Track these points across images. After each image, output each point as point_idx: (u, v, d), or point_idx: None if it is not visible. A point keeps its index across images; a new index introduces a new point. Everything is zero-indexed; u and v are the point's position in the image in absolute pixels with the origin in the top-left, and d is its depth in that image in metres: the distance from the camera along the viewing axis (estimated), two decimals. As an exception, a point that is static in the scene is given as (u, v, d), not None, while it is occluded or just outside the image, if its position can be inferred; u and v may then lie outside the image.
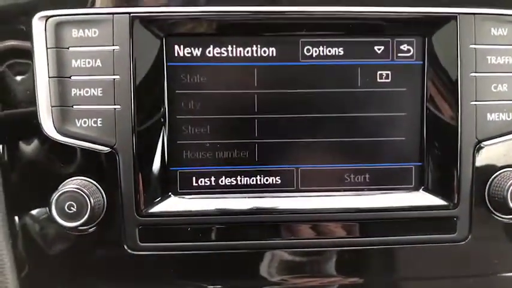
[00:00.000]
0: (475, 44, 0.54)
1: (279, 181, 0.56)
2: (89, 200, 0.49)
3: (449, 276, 0.58)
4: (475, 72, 0.54)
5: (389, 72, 0.55)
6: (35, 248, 0.53)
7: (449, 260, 0.57)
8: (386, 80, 0.55)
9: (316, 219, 0.55)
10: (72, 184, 0.50)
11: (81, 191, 0.49)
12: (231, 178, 0.55)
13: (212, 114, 0.54)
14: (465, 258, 0.56)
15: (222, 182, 0.55)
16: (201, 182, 0.55)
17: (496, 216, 0.56)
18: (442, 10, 0.54)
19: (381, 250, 0.56)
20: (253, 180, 0.56)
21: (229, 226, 0.54)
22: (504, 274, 0.58)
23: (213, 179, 0.55)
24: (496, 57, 0.55)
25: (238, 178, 0.55)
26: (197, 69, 0.54)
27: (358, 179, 0.56)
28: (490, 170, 0.56)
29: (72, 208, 0.49)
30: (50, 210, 0.49)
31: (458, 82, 0.54)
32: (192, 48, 0.54)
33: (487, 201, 0.55)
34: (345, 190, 0.56)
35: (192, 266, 0.55)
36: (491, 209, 0.55)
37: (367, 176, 0.56)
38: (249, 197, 0.55)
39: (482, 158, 0.55)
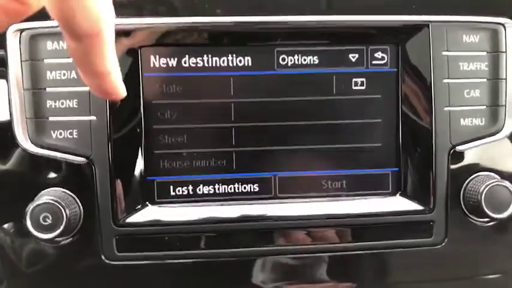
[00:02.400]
0: (447, 51, 0.55)
1: (257, 189, 0.56)
2: (65, 211, 0.49)
3: (426, 280, 0.58)
4: (448, 79, 0.55)
5: (364, 79, 0.56)
6: (10, 261, 0.53)
7: (426, 264, 0.57)
8: (361, 88, 0.56)
9: (294, 226, 0.55)
10: (47, 195, 0.50)
11: (57, 202, 0.49)
12: (209, 186, 0.56)
13: (189, 123, 0.55)
14: (442, 261, 0.57)
15: (199, 190, 0.55)
16: (178, 191, 0.55)
17: (471, 220, 0.56)
18: (415, 18, 0.55)
19: (358, 256, 0.56)
20: (231, 189, 0.56)
21: (207, 235, 0.54)
22: (481, 277, 0.58)
23: (190, 187, 0.55)
24: (468, 64, 0.56)
25: (216, 186, 0.56)
26: (173, 79, 0.54)
27: (335, 185, 0.57)
28: (465, 174, 0.56)
29: (47, 220, 0.49)
30: (25, 222, 0.49)
31: (432, 88, 0.55)
32: (168, 59, 0.54)
33: (462, 205, 0.56)
34: (322, 196, 0.56)
35: (172, 276, 0.55)
36: (467, 213, 0.56)
37: (344, 182, 0.57)
38: (226, 205, 0.55)
39: (457, 163, 0.56)
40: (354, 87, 0.56)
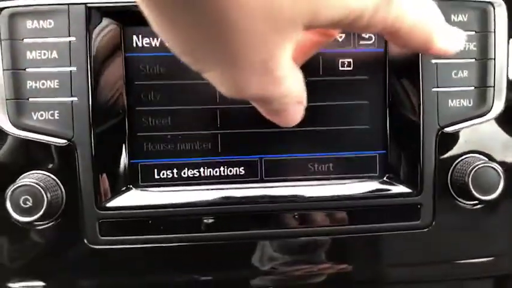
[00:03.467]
0: (435, 31, 0.54)
1: (243, 172, 0.55)
2: (46, 194, 0.48)
3: (415, 263, 0.58)
4: (436, 59, 0.54)
5: (351, 60, 0.55)
6: (-9, 245, 0.53)
7: (414, 247, 0.57)
8: (348, 68, 0.55)
9: (280, 209, 0.54)
10: (28, 178, 0.49)
11: (38, 184, 0.48)
12: (193, 170, 0.55)
13: (173, 105, 0.54)
14: (430, 244, 0.56)
15: (184, 174, 0.55)
16: (163, 174, 0.54)
17: (459, 203, 0.56)
18: (402, -3, 0.54)
19: (345, 239, 0.55)
20: (216, 172, 0.55)
21: (191, 218, 0.53)
22: (468, 260, 0.58)
23: (175, 171, 0.54)
24: (456, 44, 0.55)
25: (201, 169, 0.55)
26: (156, 59, 0.53)
27: (322, 168, 0.56)
28: (453, 156, 0.56)
29: (27, 202, 0.48)
30: (5, 204, 0.48)
31: (419, 69, 0.54)
32: (151, 39, 0.53)
33: (450, 188, 0.56)
34: (309, 179, 0.56)
35: (156, 260, 0.54)
36: (454, 196, 0.56)
37: (331, 165, 0.56)
38: (211, 189, 0.54)
39: (445, 145, 0.55)
40: (340, 68, 0.55)
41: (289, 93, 0.33)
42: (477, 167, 0.53)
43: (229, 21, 0.25)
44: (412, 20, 0.33)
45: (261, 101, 0.33)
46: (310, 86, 0.53)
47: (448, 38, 0.39)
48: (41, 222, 0.51)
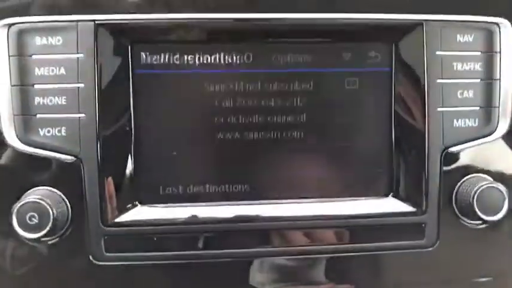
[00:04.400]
0: (441, 51, 0.55)
1: (248, 189, 0.55)
2: (52, 211, 0.48)
3: (419, 282, 0.58)
4: (442, 79, 0.55)
5: (357, 79, 0.55)
6: (-4, 260, 0.53)
7: (418, 266, 0.57)
8: (354, 87, 0.56)
9: (284, 227, 0.54)
10: (34, 194, 0.49)
11: (44, 201, 0.48)
12: (199, 187, 0.55)
13: (179, 122, 0.54)
14: (434, 263, 0.56)
15: (189, 190, 0.55)
16: (168, 190, 0.54)
17: (463, 222, 0.56)
18: (409, 17, 0.55)
19: (350, 257, 0.55)
20: (221, 189, 0.55)
21: (196, 235, 0.53)
22: (473, 279, 0.58)
23: (180, 187, 0.55)
24: (462, 64, 0.55)
25: (207, 186, 0.55)
26: (163, 76, 0.53)
27: (327, 186, 0.56)
28: (457, 176, 0.56)
29: (33, 219, 0.48)
30: (11, 221, 0.48)
31: (425, 89, 0.54)
32: (159, 56, 0.53)
33: (455, 207, 0.56)
34: (313, 197, 0.56)
35: (161, 276, 0.54)
36: (459, 215, 0.56)
37: (336, 183, 0.56)
38: (216, 206, 0.54)
39: (449, 164, 0.56)
40: (347, 87, 0.55)
41: None
42: (482, 188, 0.53)
43: None
44: None
45: None
46: (316, 105, 0.55)
47: None
48: (47, 239, 0.51)
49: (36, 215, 0.48)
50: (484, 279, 0.58)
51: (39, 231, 0.48)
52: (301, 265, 0.56)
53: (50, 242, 0.51)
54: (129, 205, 0.53)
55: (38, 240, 0.49)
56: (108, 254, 0.52)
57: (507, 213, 0.53)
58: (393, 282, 0.57)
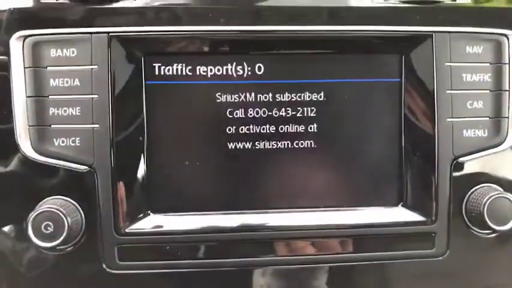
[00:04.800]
0: (450, 62, 0.55)
1: (260, 199, 0.56)
2: (66, 220, 0.49)
3: (428, 292, 0.58)
4: (451, 90, 0.55)
5: (367, 89, 0.56)
6: (12, 269, 0.53)
7: (428, 275, 0.57)
8: (364, 98, 0.56)
9: (294, 236, 0.55)
10: (49, 204, 0.50)
11: (59, 210, 0.49)
12: (210, 196, 0.55)
13: (191, 132, 0.54)
14: (444, 273, 0.57)
15: (201, 199, 0.55)
16: (180, 199, 0.55)
17: (473, 232, 0.56)
18: (419, 29, 0.55)
19: (359, 266, 0.56)
20: (233, 198, 0.55)
21: (209, 244, 0.54)
22: (482, 289, 0.58)
23: (192, 196, 0.55)
24: (471, 75, 0.55)
25: (219, 196, 0.55)
26: (176, 87, 0.54)
27: (336, 195, 0.57)
28: (467, 185, 0.56)
29: (49, 228, 0.48)
30: (27, 230, 0.49)
31: (435, 99, 0.55)
32: (172, 67, 0.54)
33: (465, 217, 0.56)
34: (323, 206, 0.56)
35: (174, 285, 0.55)
36: (469, 225, 0.56)
37: (345, 192, 0.57)
38: (230, 214, 0.55)
39: (459, 174, 0.56)
40: (357, 97, 0.56)
41: None
42: (492, 198, 0.53)
43: None
44: None
45: None
46: (327, 115, 0.55)
47: None
48: (62, 247, 0.51)
49: (51, 224, 0.48)
50: (494, 289, 0.58)
51: (54, 240, 0.48)
52: (309, 275, 0.56)
53: (64, 251, 0.52)
54: (142, 214, 0.54)
55: (53, 248, 0.50)
56: (121, 263, 0.53)
57: (517, 223, 0.53)
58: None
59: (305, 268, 0.56)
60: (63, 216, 0.49)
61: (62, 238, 0.49)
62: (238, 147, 0.55)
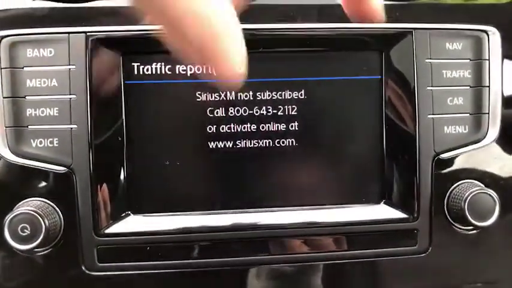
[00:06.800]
0: (430, 59, 0.55)
1: (240, 198, 0.55)
2: (44, 222, 0.48)
3: (412, 289, 0.58)
4: (431, 86, 0.55)
5: (348, 87, 0.56)
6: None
7: (411, 272, 0.57)
8: (345, 95, 0.56)
9: (276, 235, 0.54)
10: (26, 206, 0.49)
11: (36, 212, 0.48)
12: (191, 196, 0.55)
13: (171, 131, 0.54)
14: (427, 270, 0.56)
15: (182, 199, 0.55)
16: (161, 200, 0.54)
17: (455, 228, 0.56)
18: (398, 26, 0.55)
19: (342, 264, 0.56)
20: (214, 197, 0.55)
21: (189, 245, 0.53)
22: (465, 286, 0.58)
23: (173, 197, 0.55)
24: (451, 71, 0.56)
25: (199, 195, 0.55)
26: (155, 87, 0.53)
27: (318, 193, 0.56)
28: (449, 182, 0.56)
29: (25, 230, 0.48)
30: (3, 232, 0.48)
31: (415, 96, 0.55)
32: (151, 66, 0.53)
33: (447, 213, 0.56)
34: (305, 205, 0.56)
35: (155, 286, 0.54)
36: (451, 221, 0.56)
37: (327, 190, 0.56)
38: (209, 214, 0.54)
39: (441, 171, 0.56)
40: (338, 95, 0.56)
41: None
42: (473, 194, 0.53)
43: None
44: None
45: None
46: (307, 113, 0.55)
47: None
48: (39, 249, 0.51)
49: (28, 226, 0.48)
50: (477, 285, 0.58)
51: (31, 243, 0.48)
52: (291, 273, 0.56)
53: (42, 253, 0.51)
54: (122, 215, 0.53)
55: (30, 251, 0.49)
56: (101, 264, 0.52)
57: (498, 218, 0.53)
58: (387, 288, 0.58)
59: (287, 267, 0.56)
60: (40, 218, 0.48)
61: (39, 240, 0.48)
62: (219, 146, 0.55)
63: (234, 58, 0.28)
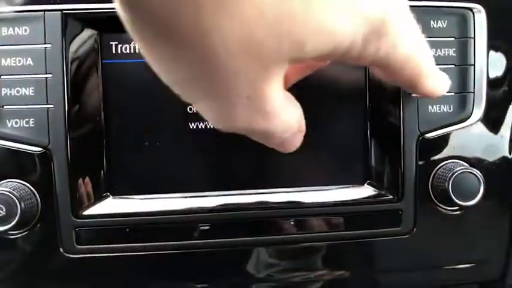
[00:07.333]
0: (414, 37, 0.54)
1: (221, 179, 0.55)
2: (19, 203, 0.47)
3: (396, 269, 0.57)
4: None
5: (331, 66, 0.54)
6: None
7: (396, 253, 0.56)
8: (330, 75, 0.55)
9: (260, 216, 0.54)
10: (2, 187, 0.48)
11: (11, 193, 0.47)
12: (171, 177, 0.54)
13: (150, 112, 0.53)
14: (411, 250, 0.56)
15: (162, 181, 0.54)
16: (140, 181, 0.53)
17: (440, 209, 0.55)
18: (382, 3, 0.54)
19: (327, 246, 0.55)
20: (193, 178, 0.54)
21: (168, 226, 0.52)
22: (450, 266, 0.57)
23: (153, 178, 0.54)
24: (436, 50, 0.55)
25: (179, 176, 0.54)
26: (133, 66, 0.52)
27: (302, 174, 0.56)
28: (433, 162, 0.55)
29: (0, 211, 0.47)
30: (-23, 214, 0.47)
31: (400, 75, 0.54)
32: (129, 45, 0.52)
33: (431, 194, 0.55)
34: (289, 186, 0.55)
35: (133, 268, 0.54)
36: (435, 202, 0.55)
37: (311, 171, 0.56)
38: (188, 197, 0.53)
39: (425, 150, 0.55)
40: (322, 75, 0.55)
41: (288, 127, 0.33)
42: (457, 173, 0.53)
43: (210, 57, 0.25)
44: (403, 56, 0.33)
45: (254, 133, 0.33)
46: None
47: (437, 80, 0.38)
48: (15, 232, 0.50)
49: (3, 207, 0.47)
50: (462, 266, 0.58)
51: (6, 224, 0.47)
52: (277, 254, 0.55)
53: (20, 235, 0.50)
54: (100, 196, 0.52)
55: (5, 232, 0.48)
56: (79, 247, 0.51)
57: (483, 198, 0.53)
58: (372, 269, 0.57)
59: (272, 248, 0.55)
60: (15, 199, 0.47)
61: (14, 222, 0.47)
62: (200, 126, 0.54)
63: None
